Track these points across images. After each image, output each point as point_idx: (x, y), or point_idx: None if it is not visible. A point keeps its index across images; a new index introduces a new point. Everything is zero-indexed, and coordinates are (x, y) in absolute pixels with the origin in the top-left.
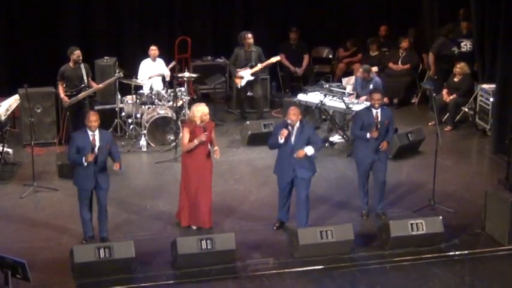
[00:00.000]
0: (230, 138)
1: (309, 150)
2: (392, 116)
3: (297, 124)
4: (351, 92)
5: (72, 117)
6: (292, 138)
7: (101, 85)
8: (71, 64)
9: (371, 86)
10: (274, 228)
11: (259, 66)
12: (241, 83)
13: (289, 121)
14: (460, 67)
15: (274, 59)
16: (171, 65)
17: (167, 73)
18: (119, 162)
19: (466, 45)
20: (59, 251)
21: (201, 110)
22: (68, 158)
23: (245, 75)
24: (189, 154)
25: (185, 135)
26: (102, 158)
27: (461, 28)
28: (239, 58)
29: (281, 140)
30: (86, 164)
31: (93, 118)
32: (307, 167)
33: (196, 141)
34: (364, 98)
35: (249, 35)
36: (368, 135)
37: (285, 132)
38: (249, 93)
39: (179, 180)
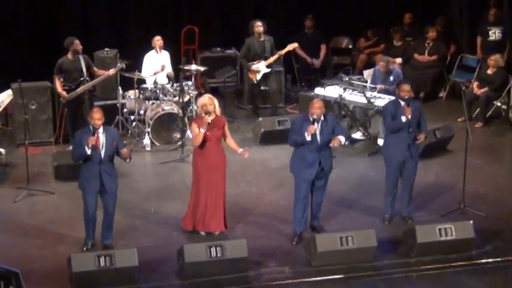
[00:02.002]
0: (241, 136)
1: (342, 138)
2: (422, 108)
3: (321, 117)
4: (373, 86)
5: (70, 113)
6: (318, 134)
7: (105, 74)
8: (69, 56)
9: (391, 78)
10: (294, 243)
11: (275, 56)
12: (257, 77)
13: (314, 116)
14: (495, 59)
15: (291, 46)
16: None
17: (170, 70)
18: (128, 150)
19: (494, 33)
20: (56, 259)
21: (200, 101)
22: (72, 157)
23: (261, 67)
24: (200, 151)
25: (194, 130)
26: (107, 157)
27: (489, 15)
28: (252, 49)
29: (308, 138)
30: (89, 151)
31: (96, 116)
32: (330, 164)
33: (202, 130)
34: (379, 86)
35: (258, 23)
36: (403, 118)
37: (312, 128)
38: (262, 87)
39: (186, 183)
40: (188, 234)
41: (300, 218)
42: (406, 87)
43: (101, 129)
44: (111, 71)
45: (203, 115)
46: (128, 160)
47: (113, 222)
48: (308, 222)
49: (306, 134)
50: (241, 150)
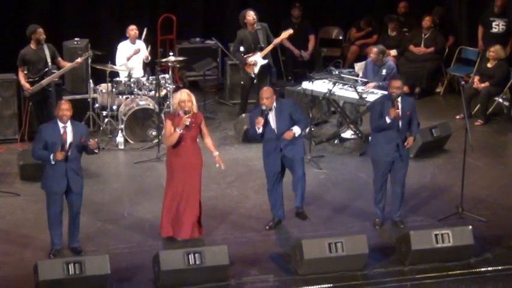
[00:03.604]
0: (222, 133)
1: (296, 129)
2: (414, 106)
3: (273, 105)
4: (365, 80)
5: (36, 108)
6: (272, 123)
7: (71, 64)
8: (32, 46)
9: (384, 72)
10: (267, 228)
11: (270, 46)
12: (255, 70)
13: (263, 107)
14: (494, 50)
15: (286, 34)
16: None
17: (145, 53)
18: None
19: (498, 25)
20: (21, 266)
21: (177, 97)
22: (32, 153)
23: (257, 59)
24: (174, 151)
25: (167, 128)
26: (74, 155)
27: (493, 5)
28: (245, 42)
29: (259, 130)
30: (53, 162)
31: (64, 107)
32: (297, 147)
33: (178, 130)
34: (372, 84)
35: (250, 12)
36: (387, 118)
37: (260, 121)
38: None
39: (162, 184)
40: (165, 239)
41: (273, 205)
42: (396, 83)
43: (68, 124)
44: (78, 60)
45: (181, 114)
46: (97, 151)
47: (79, 223)
48: (283, 210)
49: (256, 127)
50: (217, 154)
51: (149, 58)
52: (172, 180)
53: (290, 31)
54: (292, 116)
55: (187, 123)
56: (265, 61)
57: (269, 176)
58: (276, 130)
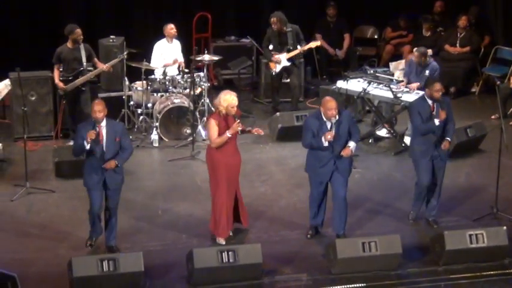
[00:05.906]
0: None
1: (353, 145)
2: (450, 105)
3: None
4: (400, 79)
5: (69, 106)
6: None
7: (104, 66)
8: (69, 45)
9: (427, 72)
10: (308, 236)
11: (296, 51)
12: (277, 68)
13: (332, 120)
14: None
15: (313, 44)
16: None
17: (181, 60)
18: (120, 161)
19: None
20: (56, 262)
21: (228, 100)
22: (72, 152)
23: (282, 59)
24: (219, 151)
25: (213, 128)
26: (110, 154)
27: None
28: (273, 41)
29: (326, 143)
30: (88, 146)
31: (97, 108)
32: (347, 164)
33: (228, 134)
34: (415, 85)
35: (273, 19)
36: (437, 121)
37: (330, 135)
38: (283, 80)
39: (196, 181)
40: (198, 237)
41: (315, 214)
42: (438, 86)
43: (103, 123)
44: (108, 65)
45: (224, 113)
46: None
47: (116, 221)
48: (323, 218)
49: (323, 139)
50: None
51: (183, 66)
52: (216, 179)
53: (318, 43)
54: (350, 128)
55: (240, 128)
56: (289, 63)
57: (316, 186)
58: (332, 143)
